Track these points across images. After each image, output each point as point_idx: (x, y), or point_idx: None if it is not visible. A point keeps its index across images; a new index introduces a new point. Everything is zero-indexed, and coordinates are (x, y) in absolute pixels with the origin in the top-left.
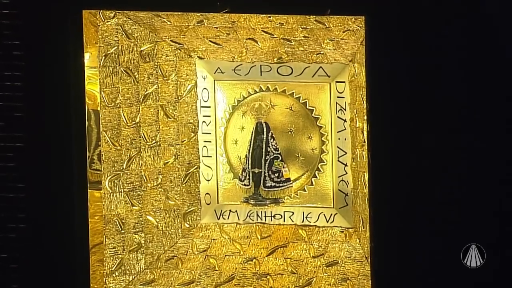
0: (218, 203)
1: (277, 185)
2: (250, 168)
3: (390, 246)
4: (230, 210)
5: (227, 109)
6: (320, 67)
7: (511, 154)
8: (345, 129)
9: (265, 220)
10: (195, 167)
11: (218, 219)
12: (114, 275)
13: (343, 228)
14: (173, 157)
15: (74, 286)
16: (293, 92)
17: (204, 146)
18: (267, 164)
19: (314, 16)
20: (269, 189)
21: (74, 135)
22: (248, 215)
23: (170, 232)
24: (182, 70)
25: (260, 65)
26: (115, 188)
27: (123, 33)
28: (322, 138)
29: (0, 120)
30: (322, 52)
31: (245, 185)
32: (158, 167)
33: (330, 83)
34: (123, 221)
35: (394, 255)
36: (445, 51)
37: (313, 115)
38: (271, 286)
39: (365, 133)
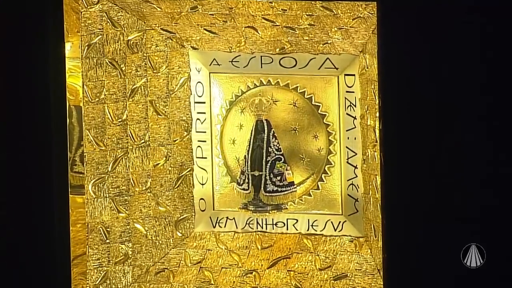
0: (213, 209)
1: (279, 189)
2: (249, 170)
3: (405, 257)
4: (227, 218)
5: (224, 105)
6: (327, 58)
7: None
8: (355, 127)
9: (266, 229)
10: (188, 169)
11: (214, 227)
12: None
13: (353, 238)
14: (164, 158)
15: None
16: (297, 86)
17: (198, 146)
18: (268, 166)
19: (320, 1)
20: (270, 194)
21: (53, 134)
22: (247, 223)
23: (160, 241)
24: (174, 61)
25: (261, 56)
26: (99, 193)
27: (108, 20)
28: (330, 138)
29: None
30: (329, 42)
31: (243, 189)
32: (147, 169)
33: (338, 76)
34: (108, 229)
35: (408, 267)
36: (464, 40)
37: (319, 111)
38: None
39: (377, 131)
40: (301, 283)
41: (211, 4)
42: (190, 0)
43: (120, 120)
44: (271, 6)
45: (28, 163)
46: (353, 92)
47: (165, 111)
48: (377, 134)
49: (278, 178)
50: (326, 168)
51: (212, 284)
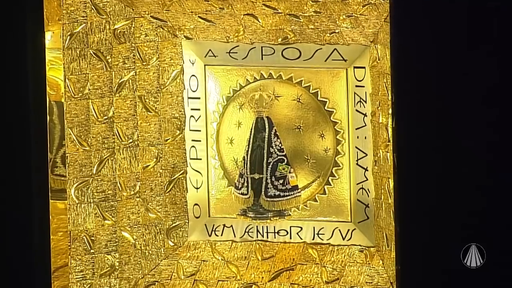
0: (209, 216)
1: (281, 194)
2: (248, 173)
3: (420, 268)
4: (224, 225)
5: (221, 101)
6: (335, 49)
7: None
8: (365, 125)
9: (267, 237)
10: (181, 172)
11: (210, 235)
12: None
13: (363, 247)
14: (154, 159)
15: None
16: (301, 80)
17: (193, 146)
18: (269, 169)
19: None
20: (272, 199)
21: (32, 132)
22: (246, 231)
23: (150, 251)
24: (165, 53)
25: (261, 47)
26: (82, 198)
27: (92, 7)
28: (337, 137)
29: None
30: (337, 31)
31: (242, 194)
32: (136, 172)
33: (346, 69)
34: (92, 238)
35: (424, 279)
36: (486, 29)
37: (326, 108)
38: None
39: (390, 130)
40: None
41: None
42: None
43: (105, 117)
44: None
45: (4, 165)
46: (363, 86)
47: (156, 108)
48: (390, 133)
49: (281, 181)
50: (333, 171)
51: None
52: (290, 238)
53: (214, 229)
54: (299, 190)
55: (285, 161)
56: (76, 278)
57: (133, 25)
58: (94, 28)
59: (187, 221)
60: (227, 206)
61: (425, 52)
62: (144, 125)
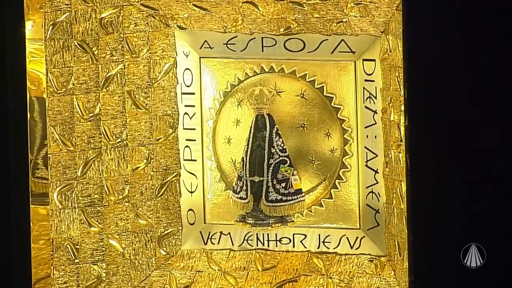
0: (205, 222)
1: (284, 198)
2: (248, 175)
3: (435, 279)
4: (221, 232)
5: (217, 96)
6: (342, 40)
7: None
8: (375, 123)
9: (268, 246)
10: (174, 174)
11: (205, 244)
12: None
13: (373, 257)
14: (145, 161)
15: None
16: (305, 74)
17: (187, 146)
18: (270, 171)
19: None
20: (273, 204)
21: (11, 131)
22: (245, 238)
23: (140, 261)
24: (157, 44)
25: (262, 38)
26: (66, 202)
27: None
28: (345, 136)
29: None
30: (344, 20)
31: (241, 198)
32: (125, 174)
33: (355, 62)
34: (77, 246)
35: None
36: (505, 18)
37: (332, 104)
38: None
39: (402, 128)
40: None
41: None
42: None
43: (91, 114)
44: None
45: None
46: (373, 81)
47: (146, 104)
48: (402, 132)
49: (283, 184)
50: (340, 173)
51: None
52: (293, 246)
53: (210, 237)
54: (303, 194)
55: (288, 162)
56: None
57: (121, 14)
58: (79, 17)
59: (180, 228)
60: (224, 211)
61: (440, 44)
62: (134, 123)
